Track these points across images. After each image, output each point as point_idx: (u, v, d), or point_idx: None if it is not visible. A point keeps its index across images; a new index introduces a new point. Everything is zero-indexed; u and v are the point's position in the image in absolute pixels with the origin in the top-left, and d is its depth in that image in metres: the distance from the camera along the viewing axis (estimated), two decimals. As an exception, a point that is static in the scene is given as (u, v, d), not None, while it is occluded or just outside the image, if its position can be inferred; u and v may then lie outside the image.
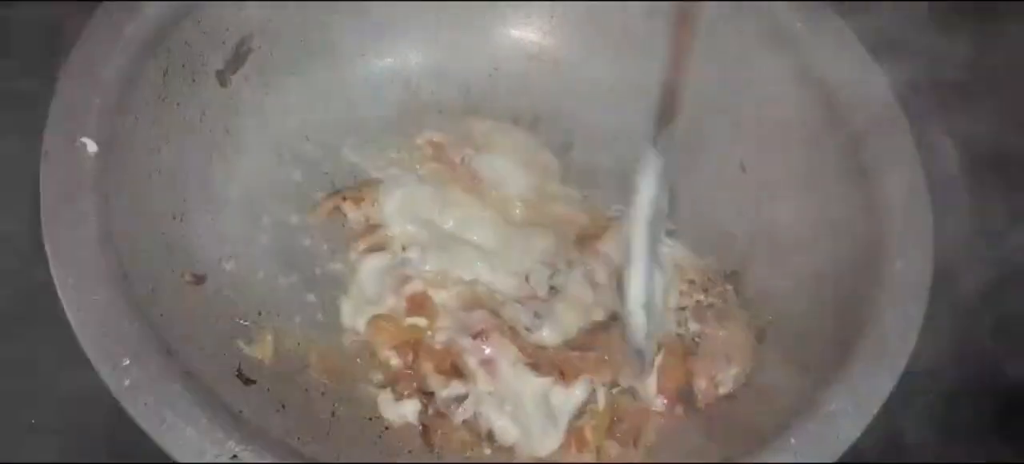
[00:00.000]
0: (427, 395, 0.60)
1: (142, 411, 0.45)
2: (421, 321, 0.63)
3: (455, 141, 0.72)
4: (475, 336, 0.61)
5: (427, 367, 0.61)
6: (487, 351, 0.60)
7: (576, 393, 0.60)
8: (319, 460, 0.51)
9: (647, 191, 0.59)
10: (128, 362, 0.46)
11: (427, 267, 0.65)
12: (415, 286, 0.64)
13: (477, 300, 0.64)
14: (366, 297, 0.64)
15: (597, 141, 0.74)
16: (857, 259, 0.58)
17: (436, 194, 0.69)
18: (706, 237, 0.68)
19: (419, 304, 0.63)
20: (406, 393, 0.60)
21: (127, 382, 0.45)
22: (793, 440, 0.48)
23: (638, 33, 0.72)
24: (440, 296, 0.64)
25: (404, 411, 0.60)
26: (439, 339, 0.62)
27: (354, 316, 0.64)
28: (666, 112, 0.57)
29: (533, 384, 0.60)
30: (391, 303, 0.63)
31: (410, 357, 0.62)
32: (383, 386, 0.61)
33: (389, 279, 0.64)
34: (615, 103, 0.74)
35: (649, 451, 0.59)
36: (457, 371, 0.61)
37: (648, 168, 0.59)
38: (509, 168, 0.72)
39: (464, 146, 0.72)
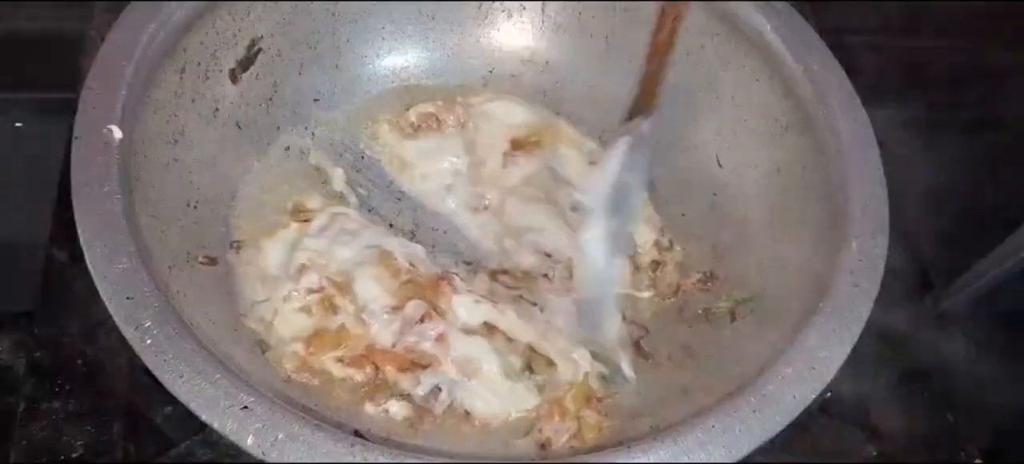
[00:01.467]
0: (404, 395, 0.63)
1: (162, 367, 0.49)
2: (347, 306, 0.65)
3: (446, 106, 0.78)
4: (420, 321, 0.64)
5: (390, 372, 0.63)
6: (436, 330, 0.64)
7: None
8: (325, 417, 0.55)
9: (611, 170, 0.64)
10: (149, 324, 0.50)
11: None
12: (310, 280, 0.66)
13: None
14: (267, 277, 0.67)
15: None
16: (818, 240, 0.62)
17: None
18: (684, 224, 0.74)
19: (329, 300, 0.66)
20: (383, 402, 0.63)
21: (149, 341, 0.50)
22: (752, 399, 0.52)
23: (624, 36, 0.77)
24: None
25: (393, 413, 0.62)
26: (385, 339, 0.64)
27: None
28: (642, 104, 0.62)
29: (486, 348, 0.64)
30: (289, 289, 0.66)
31: (370, 369, 0.64)
32: (360, 400, 0.63)
33: (289, 266, 0.67)
34: (605, 103, 0.79)
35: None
36: (419, 363, 0.64)
37: (617, 150, 0.64)
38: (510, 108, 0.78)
39: (457, 108, 0.78)
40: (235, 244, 0.68)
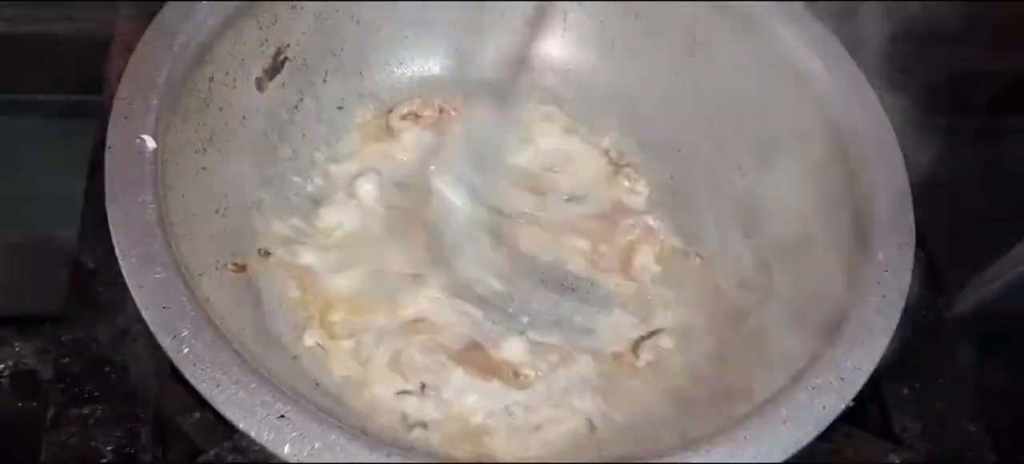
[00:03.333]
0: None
1: (199, 375, 0.49)
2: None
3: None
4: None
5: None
6: None
7: None
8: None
9: None
10: (186, 332, 0.51)
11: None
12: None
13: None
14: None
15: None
16: (844, 249, 0.63)
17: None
18: (708, 232, 0.74)
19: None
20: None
21: (185, 350, 0.50)
22: (784, 410, 0.52)
23: (645, 44, 0.78)
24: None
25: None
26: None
27: None
28: None
29: None
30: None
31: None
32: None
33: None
34: (625, 110, 0.79)
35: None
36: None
37: None
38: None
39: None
40: (263, 251, 0.68)
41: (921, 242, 0.75)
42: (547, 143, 0.79)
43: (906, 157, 0.78)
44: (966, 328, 0.75)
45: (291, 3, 0.72)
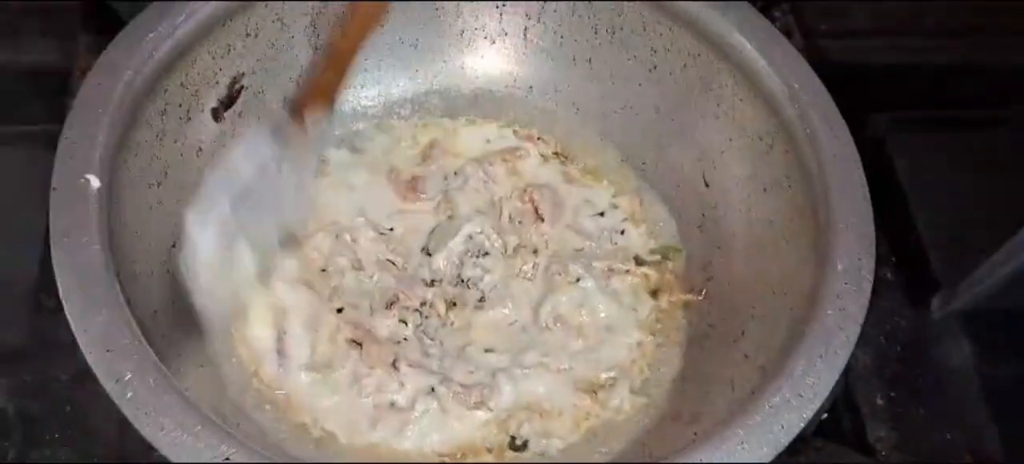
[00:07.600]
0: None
1: (143, 420, 0.49)
2: None
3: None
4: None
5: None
6: None
7: None
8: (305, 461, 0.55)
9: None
10: (130, 376, 0.50)
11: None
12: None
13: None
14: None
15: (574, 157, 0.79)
16: (805, 260, 0.62)
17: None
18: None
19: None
20: None
21: (129, 394, 0.50)
22: (740, 431, 0.52)
23: (606, 59, 0.77)
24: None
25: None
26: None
27: None
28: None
29: None
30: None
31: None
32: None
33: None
34: (588, 124, 0.79)
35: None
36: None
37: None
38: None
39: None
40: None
41: (915, 238, 0.76)
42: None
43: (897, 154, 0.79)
44: (959, 323, 0.74)
45: (245, 32, 0.71)
